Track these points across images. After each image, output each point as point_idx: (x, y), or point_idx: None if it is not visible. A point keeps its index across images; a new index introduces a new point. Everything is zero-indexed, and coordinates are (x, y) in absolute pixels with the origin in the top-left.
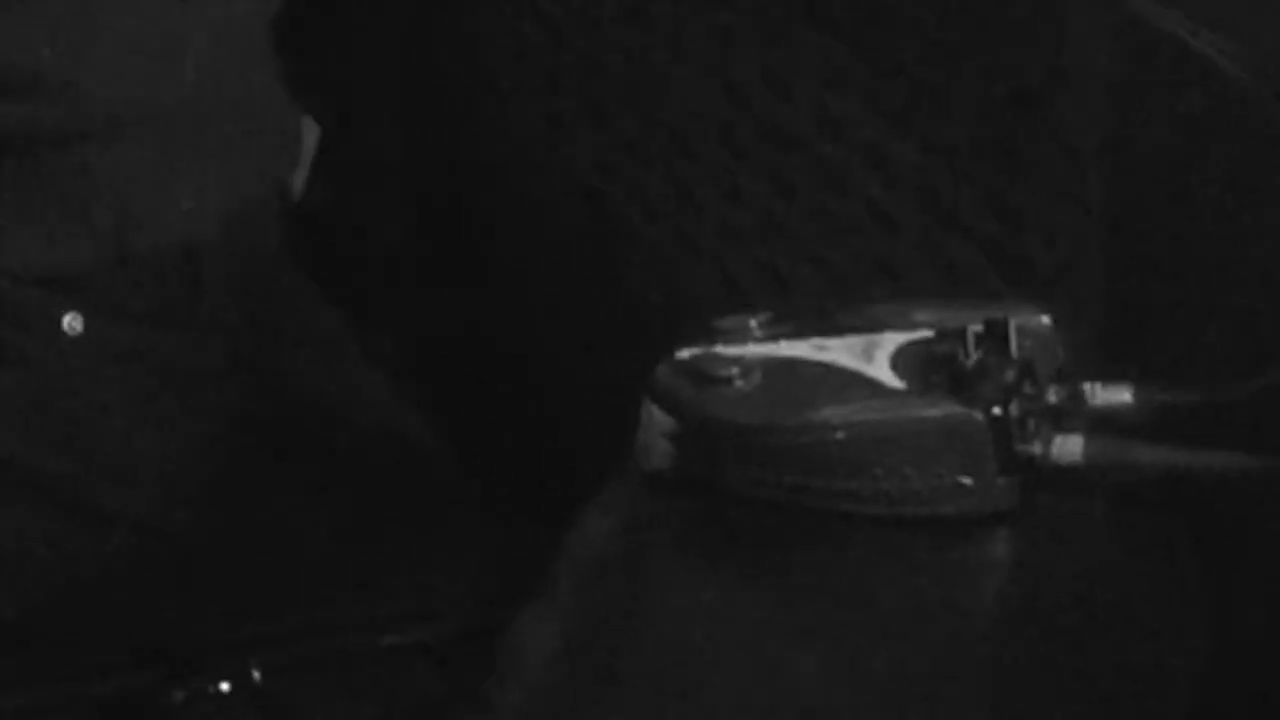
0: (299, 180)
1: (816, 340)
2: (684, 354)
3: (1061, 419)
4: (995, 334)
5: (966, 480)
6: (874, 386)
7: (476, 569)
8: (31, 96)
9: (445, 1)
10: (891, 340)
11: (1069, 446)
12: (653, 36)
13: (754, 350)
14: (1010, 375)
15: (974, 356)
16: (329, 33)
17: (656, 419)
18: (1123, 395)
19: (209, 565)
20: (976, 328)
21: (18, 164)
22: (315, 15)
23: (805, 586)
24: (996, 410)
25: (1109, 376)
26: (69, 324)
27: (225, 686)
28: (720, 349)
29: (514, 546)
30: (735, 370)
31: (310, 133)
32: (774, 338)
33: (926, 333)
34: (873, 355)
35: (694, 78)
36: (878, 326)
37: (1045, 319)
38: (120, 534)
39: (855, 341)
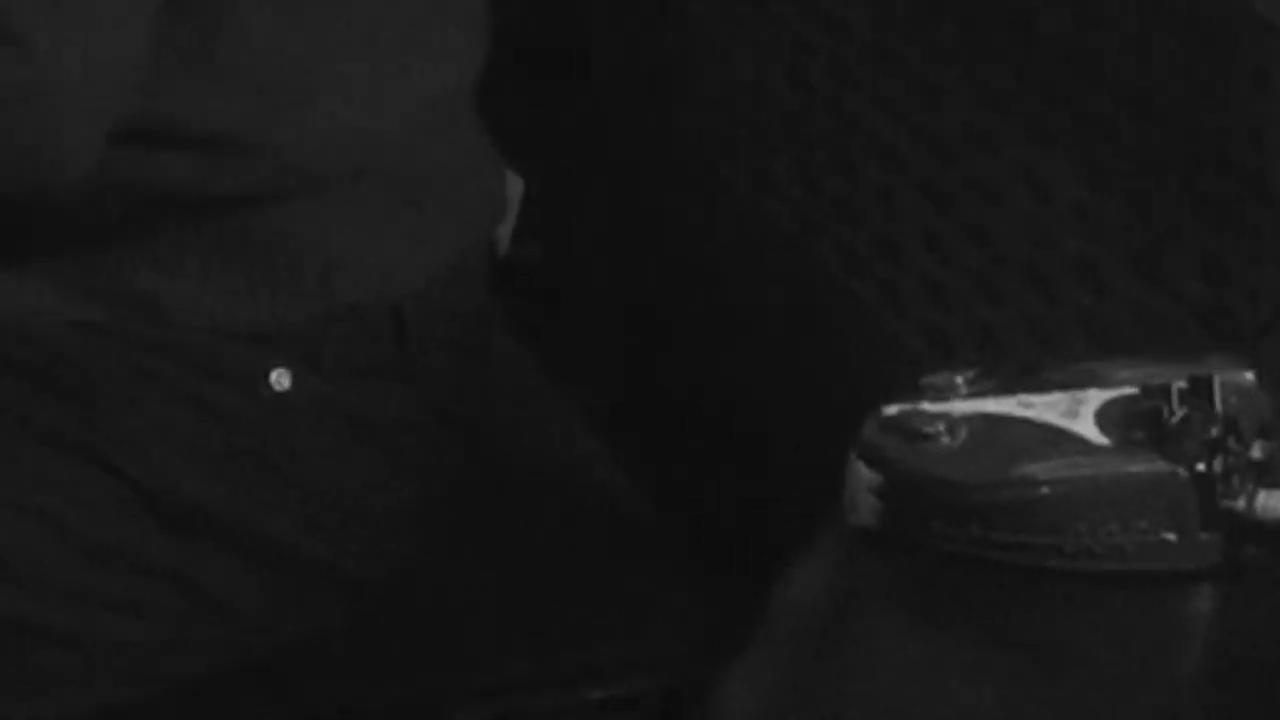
0: (504, 235)
1: (1022, 397)
2: (891, 410)
3: (1266, 474)
4: (1199, 390)
5: (1170, 536)
6: (1078, 443)
7: (684, 623)
8: (237, 155)
9: (652, 60)
10: (1096, 397)
11: (1273, 502)
12: (860, 95)
13: (960, 406)
14: (1214, 431)
15: (1178, 413)
16: (535, 87)
17: (863, 474)
18: None
19: (414, 619)
20: (1181, 384)
21: (224, 221)
22: (520, 71)
23: (1012, 642)
24: (1200, 466)
25: None
26: (276, 379)
27: None
28: (926, 405)
29: (721, 600)
30: (941, 426)
31: (515, 187)
32: (980, 394)
33: (1131, 389)
34: (1077, 412)
35: (900, 136)
36: (1082, 383)
37: (1249, 375)
38: (325, 587)
39: (1060, 398)
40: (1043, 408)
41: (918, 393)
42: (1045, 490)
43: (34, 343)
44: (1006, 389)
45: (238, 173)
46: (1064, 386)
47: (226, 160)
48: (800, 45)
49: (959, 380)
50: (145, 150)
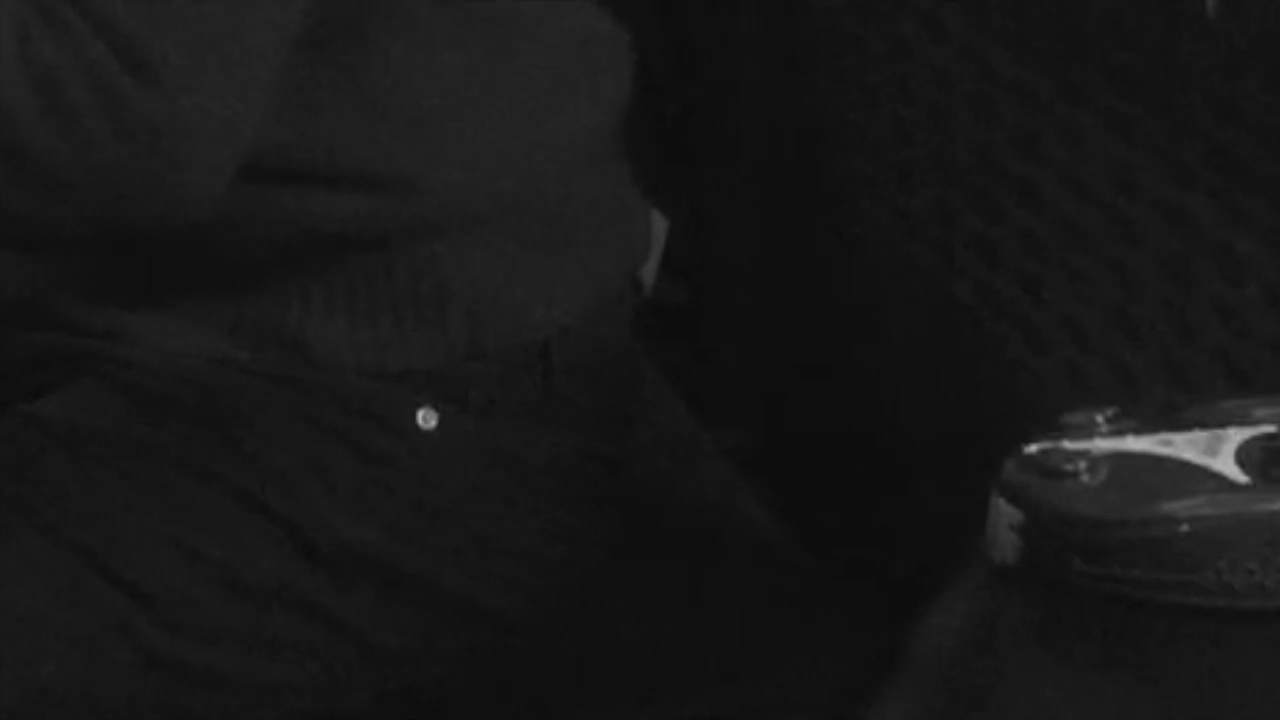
0: (649, 274)
1: (1162, 435)
2: (1031, 448)
3: None
4: None
5: None
6: (1218, 480)
7: (826, 662)
8: (383, 193)
9: (796, 101)
10: (1236, 435)
11: None
12: (1001, 135)
13: (1100, 445)
14: None
15: None
16: (680, 128)
17: (1004, 512)
18: None
19: (560, 659)
20: None
21: (371, 260)
22: (666, 111)
23: (1154, 680)
24: None
25: None
26: (423, 418)
27: None
28: (1067, 443)
29: (863, 640)
30: (1082, 465)
31: (659, 226)
32: (1120, 433)
33: (1271, 427)
34: (1217, 450)
35: (1041, 174)
36: (1222, 422)
37: None
38: (472, 625)
39: (1200, 436)
40: (1182, 445)
41: (1058, 431)
42: (1185, 528)
43: (185, 382)
44: (1146, 427)
45: (384, 212)
46: (1204, 425)
47: (372, 199)
48: (941, 83)
49: (1099, 418)
50: (293, 190)
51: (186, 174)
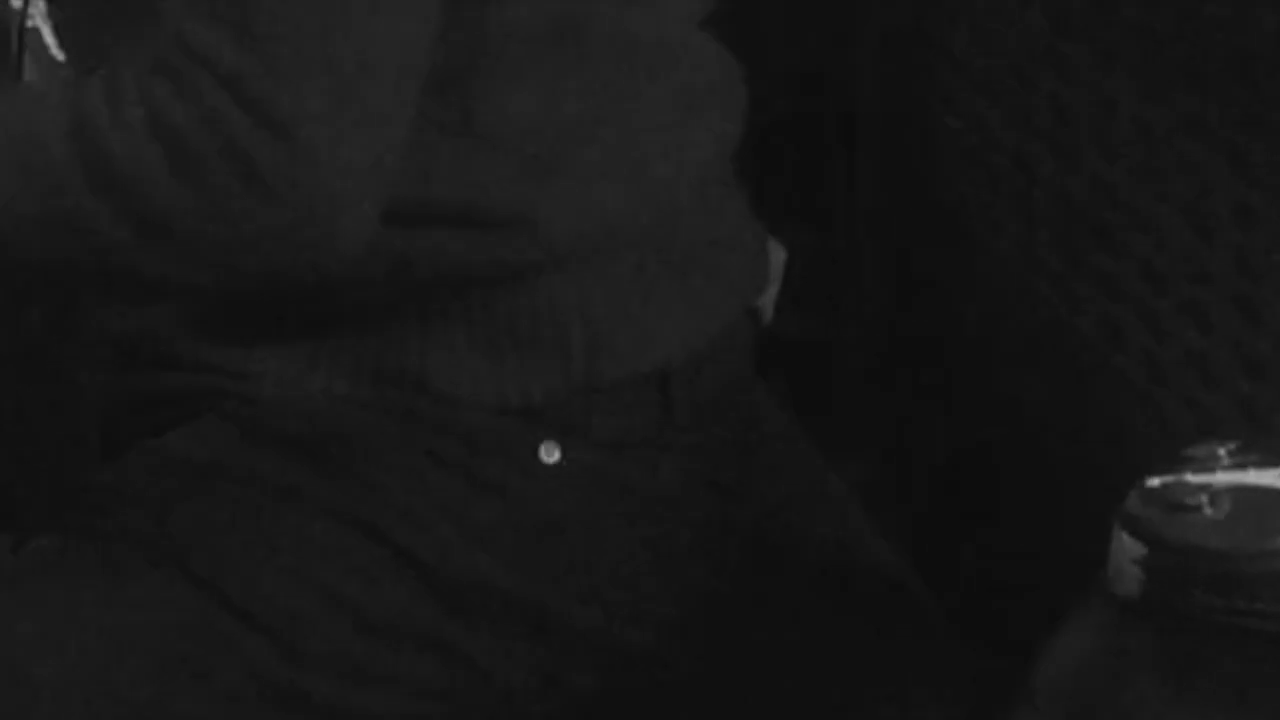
0: (769, 304)
1: None
2: (1154, 481)
3: None
4: None
5: None
6: None
7: (948, 697)
8: (503, 231)
9: (918, 132)
10: None
11: None
12: (1122, 168)
13: (1222, 478)
14: None
15: None
16: (798, 156)
17: (1127, 545)
18: None
19: (683, 691)
20: None
21: (491, 296)
22: (783, 139)
23: (1274, 712)
24: None
25: None
26: (545, 452)
27: None
28: (1189, 477)
29: (985, 673)
30: (1204, 498)
31: (778, 256)
32: (1242, 466)
33: None
34: None
35: (1162, 209)
36: None
37: None
38: (596, 657)
39: None
40: None
41: (1180, 464)
42: None
43: (310, 419)
44: (1269, 461)
45: (504, 250)
46: None
47: (493, 237)
48: (1064, 117)
49: (1221, 452)
50: (416, 230)
51: (330, 226)
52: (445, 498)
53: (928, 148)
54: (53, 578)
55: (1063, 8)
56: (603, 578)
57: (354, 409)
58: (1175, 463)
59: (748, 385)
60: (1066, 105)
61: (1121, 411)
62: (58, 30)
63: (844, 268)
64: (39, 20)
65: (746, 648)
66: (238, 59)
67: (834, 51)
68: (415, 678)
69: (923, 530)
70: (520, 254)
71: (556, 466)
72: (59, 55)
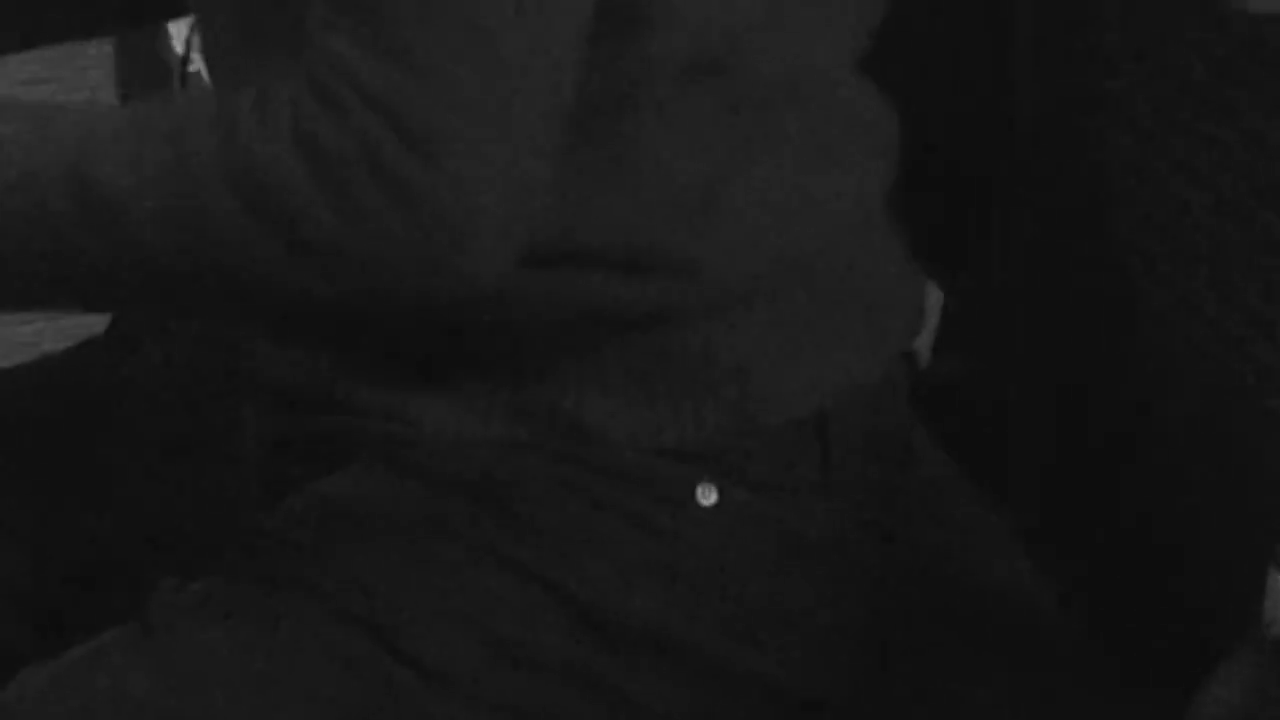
0: (924, 346)
1: None
2: None
3: None
4: None
5: None
6: None
7: None
8: (656, 274)
9: (1076, 178)
10: None
11: None
12: (1277, 210)
13: None
14: None
15: None
16: (958, 201)
17: None
18: None
19: None
20: None
21: (644, 339)
22: (942, 184)
23: None
24: None
25: None
26: (702, 494)
27: None
28: None
29: (1140, 713)
30: None
31: (934, 298)
32: None
33: None
34: None
35: None
36: None
37: None
38: (756, 700)
39: None
40: None
41: None
42: None
43: (467, 462)
44: None
45: (657, 292)
46: None
47: (646, 280)
48: (1224, 164)
49: None
50: (569, 273)
51: (473, 250)
52: (603, 539)
53: (1084, 190)
54: (214, 620)
55: (1223, 52)
56: (761, 619)
57: (511, 451)
58: None
59: (905, 427)
60: (1227, 152)
61: (1272, 454)
62: (209, 65)
63: (1000, 310)
64: (200, 65)
65: (905, 690)
66: (388, 81)
67: (990, 94)
68: (578, 718)
69: (1078, 573)
70: (676, 296)
71: (714, 508)
72: None
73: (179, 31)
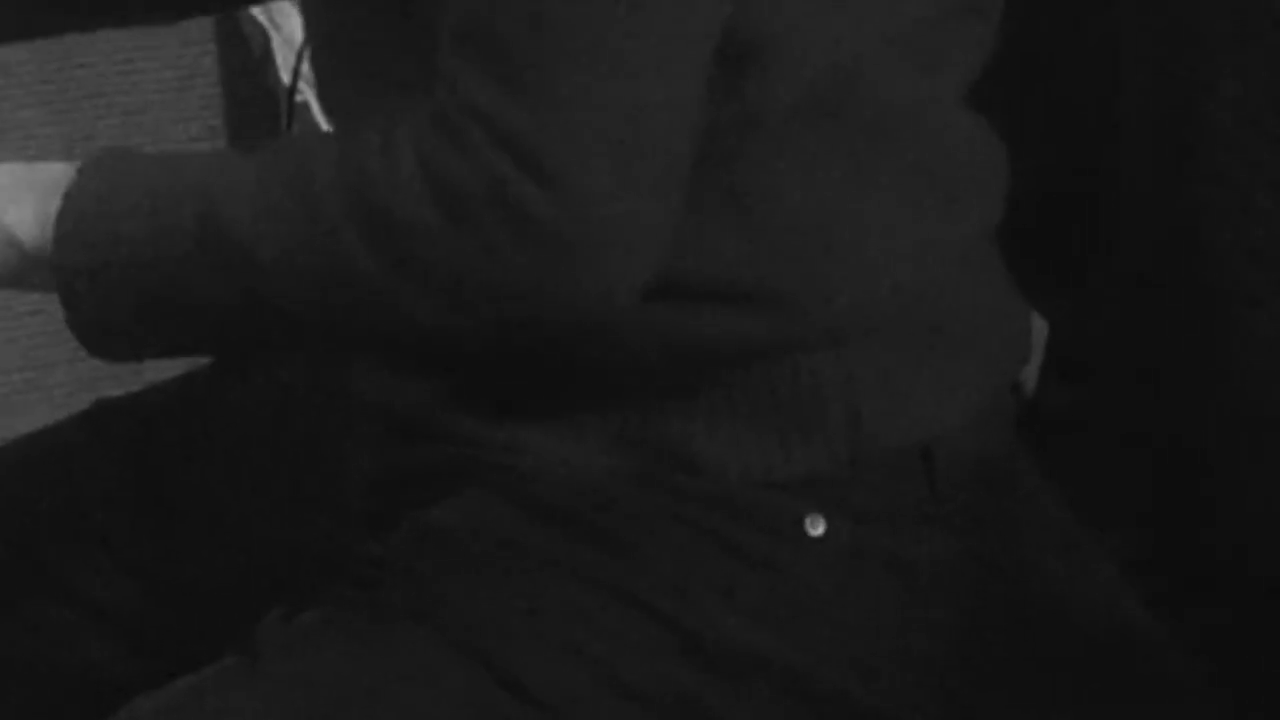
0: (1031, 376)
1: None
2: None
3: None
4: None
5: None
6: None
7: None
8: (767, 308)
9: (1178, 207)
10: None
11: None
12: None
13: None
14: None
15: None
16: (1063, 233)
17: None
18: None
19: None
20: None
21: (753, 372)
22: (1048, 214)
23: None
24: None
25: None
26: (810, 524)
27: None
28: None
29: None
30: None
31: (1040, 330)
32: None
33: None
34: None
35: None
36: None
37: None
38: None
39: None
40: None
41: None
42: None
43: (576, 492)
44: None
45: (767, 326)
46: None
47: (756, 314)
48: None
49: None
50: (681, 306)
51: (598, 288)
52: (711, 569)
53: (1187, 221)
54: (322, 651)
55: None
56: (868, 649)
57: (619, 482)
58: None
59: (1010, 458)
60: None
61: None
62: (323, 103)
63: (1105, 341)
64: (308, 94)
65: (1010, 718)
66: (517, 120)
67: (1095, 124)
68: None
69: (1185, 603)
70: (785, 330)
71: (821, 539)
72: (327, 128)
73: (285, 61)
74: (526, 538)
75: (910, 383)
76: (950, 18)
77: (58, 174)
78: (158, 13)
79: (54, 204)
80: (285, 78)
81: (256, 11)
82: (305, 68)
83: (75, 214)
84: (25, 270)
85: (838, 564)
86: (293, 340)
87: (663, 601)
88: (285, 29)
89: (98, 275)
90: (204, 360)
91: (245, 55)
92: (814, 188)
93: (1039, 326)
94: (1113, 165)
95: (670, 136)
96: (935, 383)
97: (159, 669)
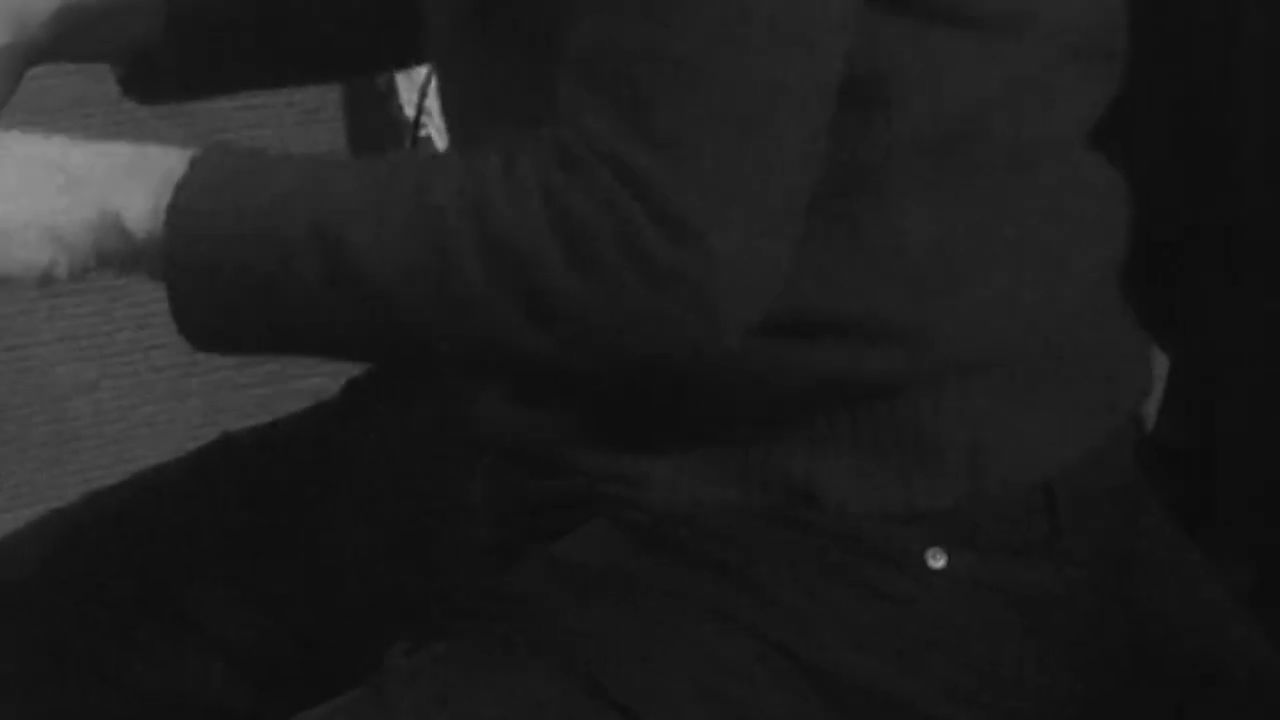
0: (1151, 412)
1: None
2: None
3: None
4: None
5: None
6: None
7: None
8: (890, 344)
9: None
10: None
11: None
12: None
13: None
14: None
15: None
16: (1183, 267)
17: None
18: None
19: None
20: None
21: (873, 407)
22: (1168, 249)
23: None
24: None
25: None
26: (931, 558)
27: None
28: None
29: None
30: None
31: (1160, 364)
32: None
33: None
34: None
35: None
36: None
37: None
38: None
39: None
40: None
41: None
42: None
43: (698, 526)
44: None
45: (889, 359)
46: None
47: (880, 350)
48: None
49: None
50: (805, 341)
51: (716, 325)
52: (833, 603)
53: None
54: (448, 683)
55: None
56: (988, 681)
57: (742, 516)
58: None
59: (1130, 492)
60: None
61: None
62: (448, 135)
63: (1225, 376)
64: (432, 130)
65: None
66: (641, 158)
67: (1214, 160)
68: None
69: None
70: (908, 365)
71: (942, 572)
72: None
73: (409, 95)
74: (650, 572)
75: (1031, 418)
76: (1075, 59)
77: (172, 163)
78: (313, 76)
79: (166, 195)
80: (410, 111)
81: None
82: (429, 101)
83: (187, 209)
84: (132, 258)
85: (959, 597)
86: (397, 352)
87: (785, 634)
88: None
89: (207, 273)
90: (330, 394)
91: (370, 89)
92: (937, 224)
93: (1159, 362)
94: (1234, 201)
95: (793, 181)
96: (1056, 418)
97: (285, 703)
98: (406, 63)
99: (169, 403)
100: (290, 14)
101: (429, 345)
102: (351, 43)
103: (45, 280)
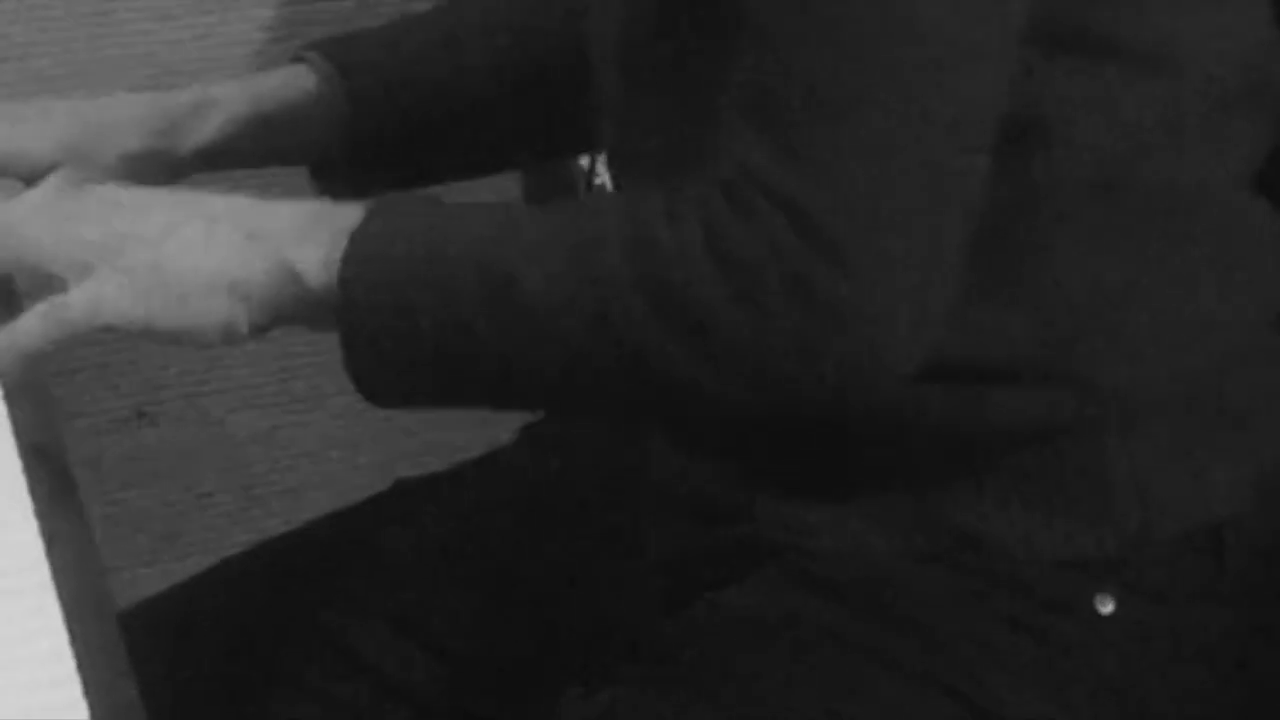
0: None
1: None
2: None
3: None
4: None
5: None
6: None
7: None
8: (1055, 389)
9: None
10: None
11: None
12: None
13: None
14: None
15: None
16: None
17: None
18: None
19: None
20: None
21: (1041, 452)
22: None
23: None
24: None
25: None
26: (1100, 603)
27: None
28: None
29: None
30: None
31: None
32: None
33: None
34: None
35: None
36: None
37: None
38: None
39: None
40: None
41: None
42: None
43: (866, 571)
44: None
45: (1054, 404)
46: None
47: (1045, 395)
48: None
49: None
50: (972, 387)
51: (878, 358)
52: (1002, 648)
53: None
54: None
55: None
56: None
57: (911, 564)
58: None
59: None
60: None
61: None
62: (621, 184)
63: None
64: (605, 178)
65: None
66: (799, 189)
67: None
68: None
69: None
70: (1073, 410)
71: (1111, 617)
72: None
73: None
74: (818, 618)
75: (1199, 463)
76: (1237, 100)
77: (348, 215)
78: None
79: (340, 247)
80: (583, 161)
81: None
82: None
83: (361, 259)
84: (310, 311)
85: (1128, 642)
86: (565, 398)
87: (955, 679)
88: None
89: (379, 324)
90: (502, 443)
91: None
92: (1102, 268)
93: None
94: None
95: (952, 213)
96: (1223, 463)
97: None
98: (581, 149)
99: (347, 449)
100: (475, 117)
101: (595, 387)
102: (532, 137)
103: (228, 336)
